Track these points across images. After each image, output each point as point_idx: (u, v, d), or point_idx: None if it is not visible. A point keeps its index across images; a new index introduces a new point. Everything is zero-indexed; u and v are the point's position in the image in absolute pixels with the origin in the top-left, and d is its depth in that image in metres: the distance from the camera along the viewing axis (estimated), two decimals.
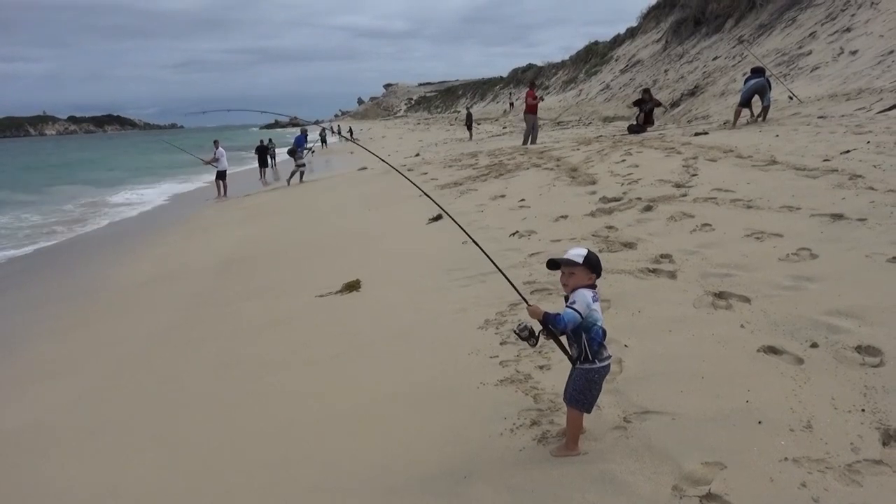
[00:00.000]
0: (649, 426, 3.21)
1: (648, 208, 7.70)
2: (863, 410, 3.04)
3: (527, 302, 3.14)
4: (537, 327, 3.04)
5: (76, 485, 3.99)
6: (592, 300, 2.94)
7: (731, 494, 2.61)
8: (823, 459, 2.74)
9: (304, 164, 22.15)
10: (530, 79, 68.30)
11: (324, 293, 7.00)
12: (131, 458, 4.19)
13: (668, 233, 6.65)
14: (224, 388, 5.11)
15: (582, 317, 2.88)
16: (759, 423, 3.07)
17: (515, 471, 3.07)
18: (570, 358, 3.06)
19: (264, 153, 27.80)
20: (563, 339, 3.07)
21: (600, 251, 6.39)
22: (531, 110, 21.31)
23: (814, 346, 3.75)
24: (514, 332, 3.07)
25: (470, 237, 3.83)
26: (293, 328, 6.30)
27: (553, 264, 3.09)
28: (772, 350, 3.79)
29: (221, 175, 21.84)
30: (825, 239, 5.54)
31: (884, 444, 2.79)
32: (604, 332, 3.00)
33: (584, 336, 2.95)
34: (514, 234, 7.79)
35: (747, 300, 4.58)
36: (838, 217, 6.02)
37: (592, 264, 3.00)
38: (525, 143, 20.42)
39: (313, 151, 24.07)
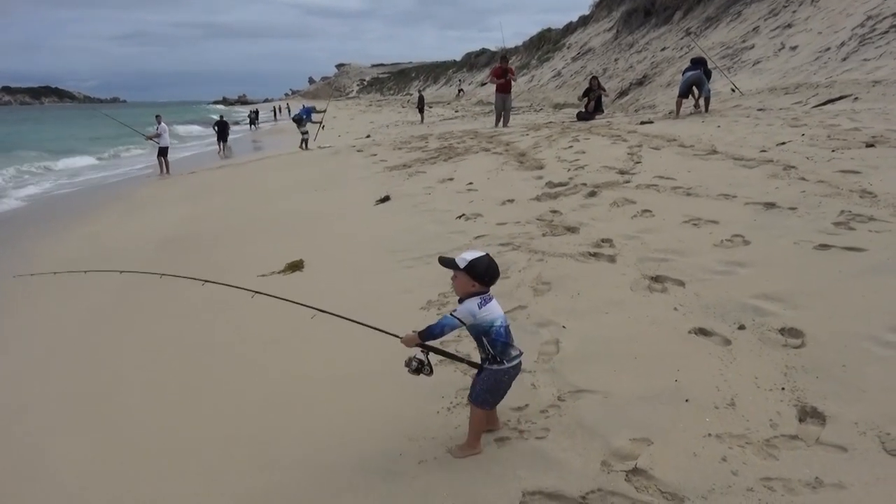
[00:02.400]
0: (582, 405, 3.28)
1: (593, 194, 7.83)
2: (783, 389, 3.18)
3: (398, 336, 3.03)
4: (424, 355, 3.01)
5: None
6: (479, 307, 2.83)
7: (655, 469, 2.70)
8: (744, 435, 2.85)
9: (307, 132, 23.78)
10: (484, 63, 68.17)
11: (266, 273, 6.89)
12: (60, 440, 4.07)
13: (610, 218, 6.78)
14: (161, 369, 5.00)
15: (463, 323, 2.83)
16: (686, 401, 3.17)
17: (450, 448, 3.10)
18: (475, 365, 3.00)
19: (224, 128, 29.40)
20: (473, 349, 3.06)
21: (543, 235, 6.48)
22: (502, 89, 18.52)
23: (741, 328, 3.89)
24: (405, 366, 2.99)
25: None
26: (233, 308, 6.16)
27: (442, 263, 3.01)
28: (702, 332, 3.92)
29: (163, 152, 21.15)
30: (758, 226, 5.74)
31: (800, 420, 2.93)
32: (507, 330, 2.91)
33: (484, 340, 2.88)
34: (460, 217, 7.81)
35: (682, 284, 4.71)
36: (771, 206, 6.23)
37: (476, 273, 2.86)
38: (497, 124, 18.61)
39: (322, 125, 24.10)
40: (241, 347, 5.14)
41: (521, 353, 2.96)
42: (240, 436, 3.71)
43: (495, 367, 2.90)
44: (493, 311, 2.88)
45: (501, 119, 18.52)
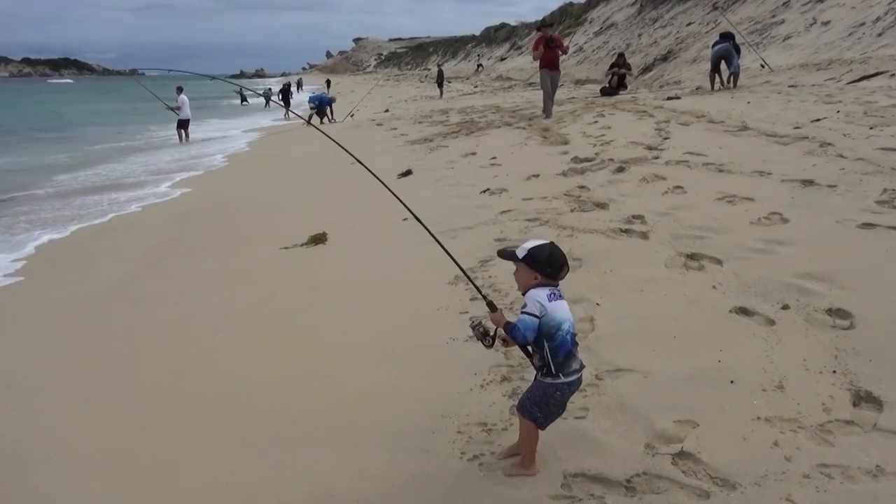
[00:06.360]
0: (621, 384, 3.16)
1: (621, 169, 7.64)
2: (834, 372, 3.03)
3: (492, 307, 2.66)
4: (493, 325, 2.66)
5: (25, 440, 3.78)
6: (549, 299, 2.46)
7: (703, 453, 2.58)
8: (795, 419, 2.72)
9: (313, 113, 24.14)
10: (504, 38, 67.19)
11: (289, 245, 6.81)
12: (79, 414, 3.97)
13: (640, 194, 6.60)
14: (182, 341, 4.90)
15: (538, 317, 2.44)
16: (732, 382, 3.04)
17: (486, 426, 3.00)
18: (533, 365, 2.60)
19: (287, 94, 33.11)
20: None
21: (572, 210, 6.32)
22: (549, 64, 13.52)
23: (785, 308, 3.74)
24: (470, 327, 2.68)
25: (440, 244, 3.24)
26: (256, 281, 6.11)
27: (501, 255, 2.68)
28: (743, 311, 3.78)
29: (183, 124, 21.09)
30: (796, 204, 5.55)
31: (854, 404, 2.79)
32: (573, 338, 2.51)
33: (546, 345, 2.46)
34: (484, 192, 7.67)
35: (719, 262, 4.56)
36: (809, 183, 6.03)
37: (537, 262, 2.49)
38: (546, 111, 13.61)
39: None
40: (265, 319, 5.05)
41: (582, 368, 2.56)
42: (264, 412, 3.61)
43: (549, 379, 2.51)
44: (563, 310, 2.49)
45: (549, 102, 13.70)
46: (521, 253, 2.53)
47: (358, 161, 3.64)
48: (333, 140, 3.92)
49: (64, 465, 3.43)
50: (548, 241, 2.57)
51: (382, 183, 3.52)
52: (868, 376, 2.95)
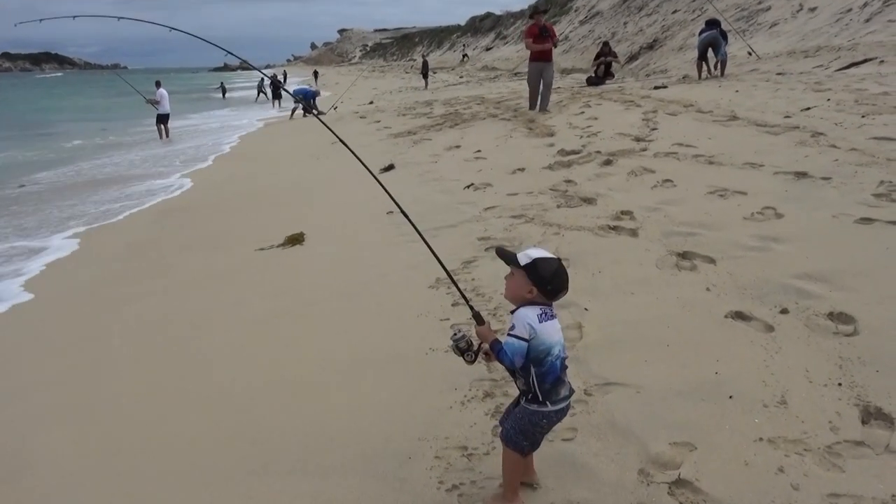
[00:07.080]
0: (612, 400, 2.94)
1: (608, 162, 7.42)
2: (839, 384, 2.82)
3: (479, 319, 2.41)
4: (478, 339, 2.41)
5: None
6: (539, 319, 2.21)
7: (702, 481, 2.36)
8: (801, 440, 2.50)
9: (297, 107, 24.48)
10: (489, 27, 66.69)
11: (265, 247, 6.53)
12: (41, 426, 3.74)
13: (628, 188, 6.39)
14: (150, 349, 4.65)
15: (527, 340, 2.19)
16: (731, 397, 2.82)
17: (466, 450, 2.76)
18: (517, 386, 2.38)
19: (277, 87, 32.02)
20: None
21: (558, 206, 6.09)
22: (540, 56, 12.37)
23: (784, 311, 3.53)
24: (451, 339, 2.40)
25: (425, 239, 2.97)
26: (230, 284, 5.84)
27: (500, 255, 2.41)
28: (740, 316, 3.56)
29: (162, 118, 20.59)
30: (790, 198, 5.35)
31: (863, 422, 2.58)
32: (563, 364, 2.29)
33: (533, 370, 2.23)
34: (469, 187, 7.43)
35: (712, 261, 4.35)
36: (802, 175, 5.84)
37: (538, 276, 2.22)
38: (532, 106, 12.75)
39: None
40: (237, 325, 4.78)
41: (571, 394, 2.34)
42: (236, 429, 3.35)
43: (534, 406, 2.28)
44: (554, 332, 2.23)
45: (539, 99, 12.59)
46: (523, 260, 2.26)
47: (350, 150, 3.38)
48: (329, 129, 3.68)
49: (21, 486, 3.18)
50: (556, 257, 2.30)
51: (371, 173, 3.25)
52: (876, 389, 2.75)
